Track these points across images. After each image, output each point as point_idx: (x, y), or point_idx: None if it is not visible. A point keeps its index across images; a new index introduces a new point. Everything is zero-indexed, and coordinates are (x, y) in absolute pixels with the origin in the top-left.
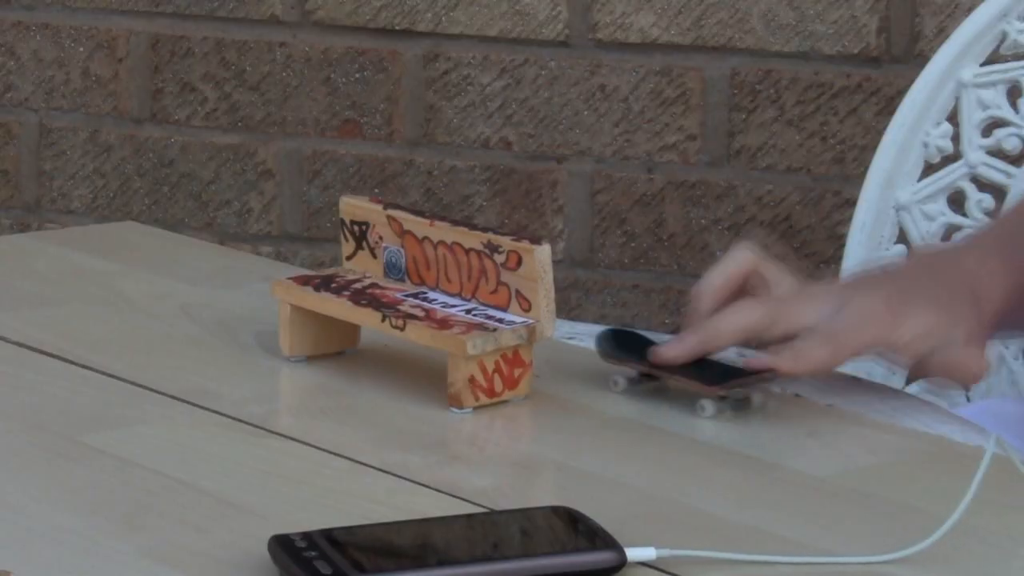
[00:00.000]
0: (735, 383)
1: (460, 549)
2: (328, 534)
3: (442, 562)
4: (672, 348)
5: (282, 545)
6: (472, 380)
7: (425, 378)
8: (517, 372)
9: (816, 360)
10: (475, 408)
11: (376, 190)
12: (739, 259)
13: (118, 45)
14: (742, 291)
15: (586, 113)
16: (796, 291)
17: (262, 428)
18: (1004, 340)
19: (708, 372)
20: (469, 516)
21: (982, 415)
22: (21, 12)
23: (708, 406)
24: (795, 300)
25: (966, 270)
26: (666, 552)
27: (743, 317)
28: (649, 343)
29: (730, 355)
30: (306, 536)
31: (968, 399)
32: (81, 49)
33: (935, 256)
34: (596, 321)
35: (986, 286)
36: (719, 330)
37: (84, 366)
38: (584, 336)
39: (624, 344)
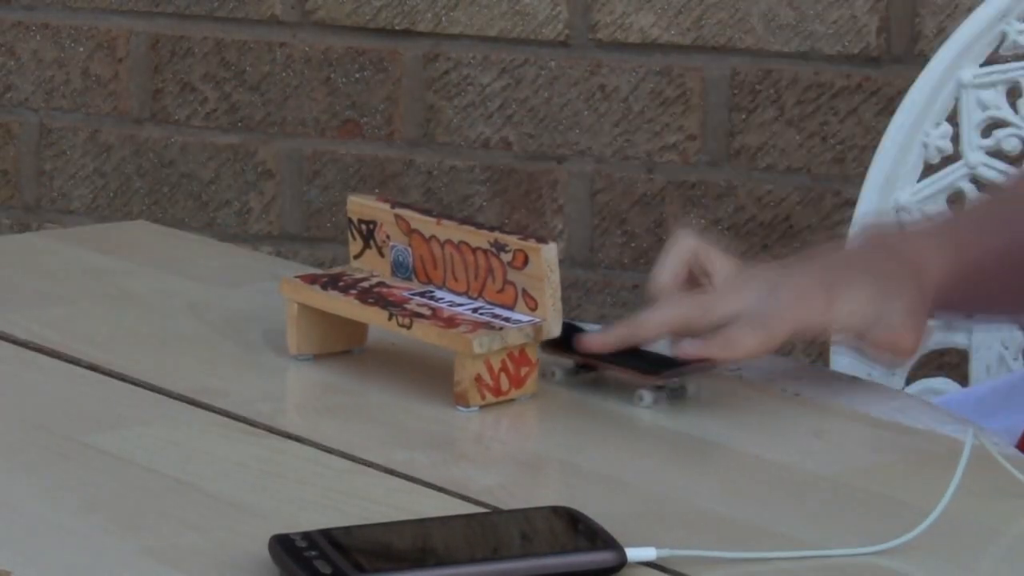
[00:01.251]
0: (670, 373)
1: (460, 549)
2: (328, 534)
3: (441, 562)
4: (597, 338)
5: (282, 545)
6: (478, 379)
7: (432, 377)
8: (524, 371)
9: (748, 345)
10: (481, 407)
11: (376, 190)
12: (682, 251)
13: (118, 45)
14: (690, 280)
15: (586, 113)
16: (730, 279)
17: (269, 427)
18: (945, 320)
19: (643, 362)
20: (469, 516)
21: (965, 402)
22: (21, 12)
23: (646, 395)
24: (725, 290)
25: (909, 245)
26: (666, 552)
27: (670, 310)
28: (580, 331)
29: (660, 346)
30: (306, 536)
31: (893, 373)
32: (81, 49)
33: (879, 231)
34: (596, 321)
35: (928, 260)
36: (646, 322)
37: (91, 364)
38: None
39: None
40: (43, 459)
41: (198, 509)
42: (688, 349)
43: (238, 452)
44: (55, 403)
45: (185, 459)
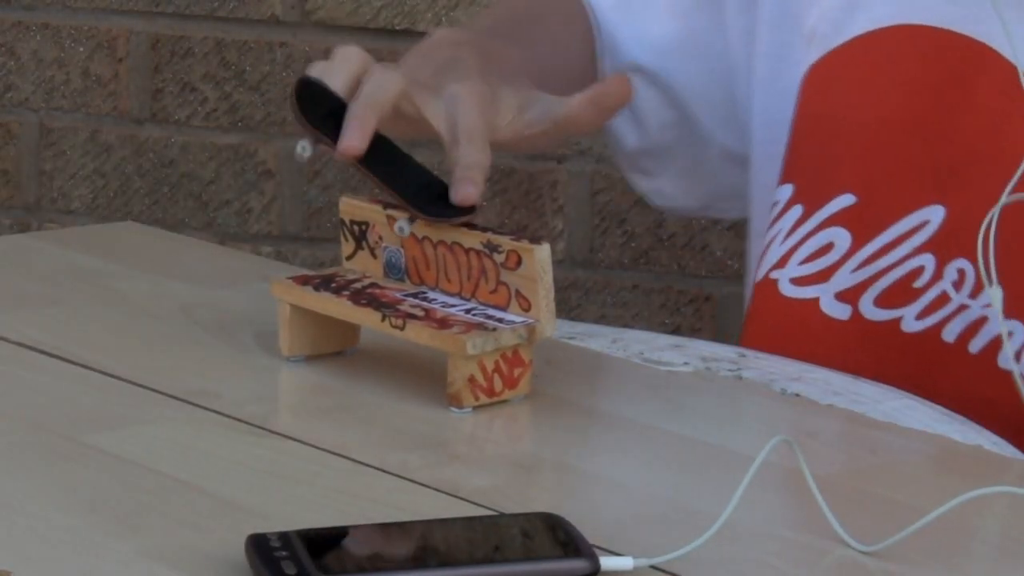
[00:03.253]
0: (444, 220)
1: (428, 553)
2: (306, 535)
3: (403, 566)
4: (352, 139)
5: (255, 544)
6: (472, 380)
7: (425, 378)
8: (517, 372)
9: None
10: (475, 408)
11: (376, 190)
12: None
13: (118, 45)
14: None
15: None
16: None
17: (262, 428)
18: None
19: (413, 186)
20: (445, 521)
21: None
22: (21, 12)
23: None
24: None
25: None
26: (643, 561)
27: (390, 83)
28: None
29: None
30: (283, 536)
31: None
32: (81, 49)
33: (479, 39)
34: (596, 321)
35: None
36: (379, 101)
37: (84, 366)
38: (583, 336)
39: (318, 103)
40: (43, 459)
41: (198, 509)
42: (463, 196)
43: (238, 452)
44: (55, 403)
45: (185, 459)
